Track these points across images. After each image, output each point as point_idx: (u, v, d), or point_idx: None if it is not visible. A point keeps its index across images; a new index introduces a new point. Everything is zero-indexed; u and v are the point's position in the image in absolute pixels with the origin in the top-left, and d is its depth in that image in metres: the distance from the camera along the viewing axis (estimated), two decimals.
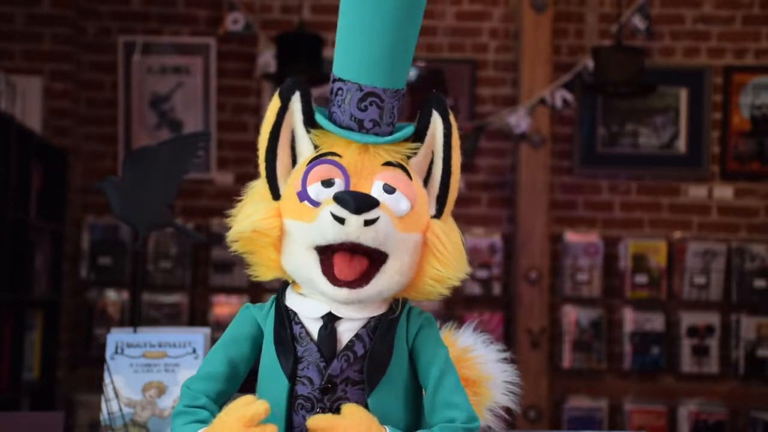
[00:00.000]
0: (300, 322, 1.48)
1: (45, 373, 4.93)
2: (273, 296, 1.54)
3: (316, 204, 1.45)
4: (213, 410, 1.49)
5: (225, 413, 1.41)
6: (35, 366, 4.85)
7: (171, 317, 5.21)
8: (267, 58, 5.01)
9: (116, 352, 2.00)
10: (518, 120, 4.94)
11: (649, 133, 5.45)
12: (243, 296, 5.26)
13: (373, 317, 1.48)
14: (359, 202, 1.39)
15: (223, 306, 5.25)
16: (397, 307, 1.50)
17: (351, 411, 1.41)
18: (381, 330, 1.47)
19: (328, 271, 1.44)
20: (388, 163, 1.48)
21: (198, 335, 2.02)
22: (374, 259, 1.44)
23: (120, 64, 5.35)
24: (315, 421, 1.41)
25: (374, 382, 1.45)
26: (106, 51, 5.37)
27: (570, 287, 5.32)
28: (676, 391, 5.31)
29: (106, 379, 1.98)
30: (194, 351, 2.00)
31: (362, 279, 1.44)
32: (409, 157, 1.51)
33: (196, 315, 5.31)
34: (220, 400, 1.52)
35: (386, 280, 1.45)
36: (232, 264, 5.27)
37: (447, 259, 1.49)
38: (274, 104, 1.51)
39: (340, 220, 1.40)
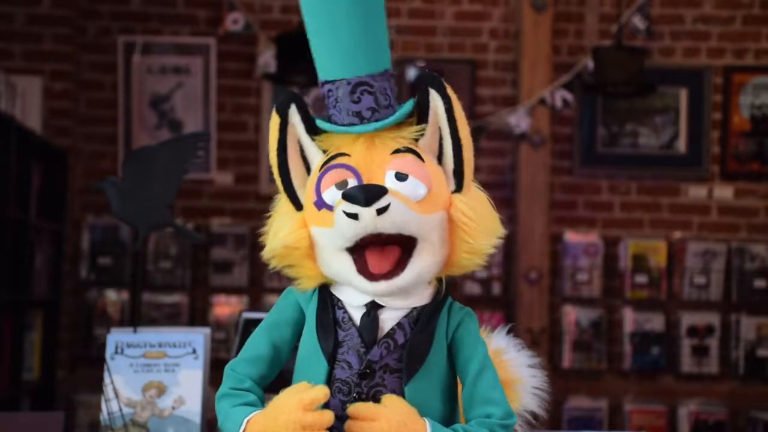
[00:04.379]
0: (343, 308, 1.51)
1: (45, 373, 4.93)
2: None
3: (332, 208, 1.46)
4: (258, 394, 1.51)
5: (283, 396, 1.43)
6: (35, 366, 4.85)
7: (171, 317, 5.21)
8: (267, 58, 5.01)
9: (116, 352, 2.00)
10: (518, 120, 4.94)
11: (649, 133, 5.45)
12: (243, 296, 5.26)
13: (416, 308, 1.50)
14: (367, 194, 1.41)
15: (223, 306, 5.25)
16: (442, 298, 1.51)
17: (392, 401, 1.43)
18: (422, 321, 1.49)
19: (362, 268, 1.46)
20: (396, 151, 1.50)
21: (198, 335, 2.02)
22: (405, 246, 1.46)
23: (120, 64, 5.35)
24: (357, 408, 1.43)
25: (412, 371, 1.46)
26: (106, 51, 5.37)
27: (570, 287, 5.32)
28: (676, 391, 5.31)
29: (106, 379, 1.98)
30: (194, 351, 2.00)
31: (397, 268, 1.46)
32: (417, 140, 1.52)
33: (196, 315, 5.31)
34: (263, 383, 1.54)
35: (421, 264, 1.47)
36: (232, 264, 5.27)
37: (474, 230, 1.50)
38: (274, 121, 1.53)
39: (354, 216, 1.42)
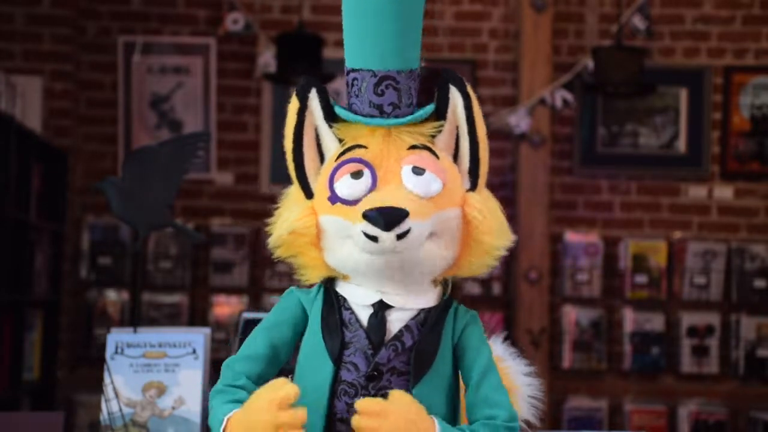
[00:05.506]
0: (350, 308, 1.49)
1: (45, 373, 4.92)
2: (319, 283, 1.54)
3: (348, 202, 1.45)
4: (252, 391, 1.48)
5: (256, 395, 1.40)
6: (35, 366, 4.85)
7: (171, 317, 5.21)
8: (267, 58, 5.01)
9: (116, 352, 2.00)
10: (518, 120, 4.94)
11: (649, 133, 5.45)
12: (243, 296, 5.26)
13: (423, 309, 1.48)
14: (388, 219, 1.39)
15: (223, 306, 5.25)
16: (448, 302, 1.50)
17: (399, 397, 1.40)
18: (429, 323, 1.47)
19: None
20: (413, 147, 1.48)
21: (198, 335, 2.02)
22: None
23: (120, 64, 5.35)
24: (365, 403, 1.40)
25: (420, 374, 1.45)
26: (106, 51, 5.37)
27: (570, 287, 5.32)
28: (676, 391, 5.31)
29: (106, 379, 1.97)
30: (194, 351, 2.00)
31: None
32: (433, 137, 1.51)
33: (196, 315, 5.31)
34: (260, 381, 1.50)
35: (429, 248, 1.44)
36: (232, 264, 5.27)
37: (489, 228, 1.49)
38: (293, 106, 1.51)
39: (373, 239, 1.40)
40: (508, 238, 1.51)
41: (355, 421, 1.39)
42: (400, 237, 1.40)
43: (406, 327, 1.47)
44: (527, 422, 1.79)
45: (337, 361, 1.46)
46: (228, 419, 1.43)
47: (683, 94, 5.44)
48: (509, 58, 5.44)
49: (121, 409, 1.97)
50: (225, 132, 5.39)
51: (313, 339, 1.50)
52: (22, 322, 4.61)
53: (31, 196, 4.70)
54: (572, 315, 5.31)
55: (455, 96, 1.52)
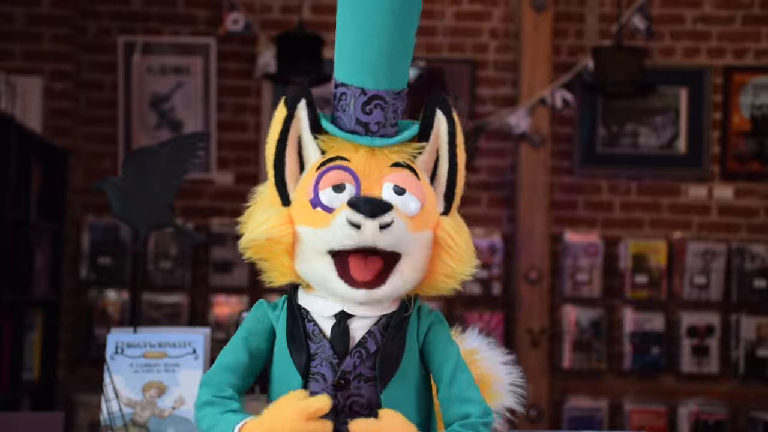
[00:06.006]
0: (313, 320, 1.50)
1: (45, 373, 4.92)
2: (284, 296, 1.55)
3: (328, 210, 1.46)
4: (240, 403, 1.50)
5: (283, 403, 1.41)
6: (35, 366, 4.84)
7: (171, 317, 5.21)
8: (267, 58, 5.01)
9: (116, 352, 2.00)
10: (518, 120, 4.94)
11: (649, 133, 5.45)
12: (243, 296, 5.26)
13: (385, 315, 1.50)
14: (374, 207, 1.42)
15: (223, 306, 5.25)
16: (410, 304, 1.52)
17: (390, 416, 1.42)
18: (393, 327, 1.49)
19: (344, 273, 1.46)
20: (395, 164, 1.50)
21: (198, 335, 2.02)
22: (388, 258, 1.46)
23: (120, 64, 5.35)
24: (358, 424, 1.42)
25: (387, 378, 1.46)
26: (106, 51, 5.37)
27: (570, 287, 5.32)
28: (676, 391, 5.31)
29: (106, 379, 1.98)
30: (194, 351, 2.00)
31: (378, 279, 1.45)
32: (415, 157, 1.53)
33: (196, 315, 5.31)
34: (240, 392, 1.52)
35: (401, 279, 1.47)
36: (232, 264, 5.27)
37: (458, 254, 1.52)
38: (280, 112, 1.53)
39: (356, 226, 1.42)
40: (473, 264, 1.54)
41: None
42: (382, 227, 1.41)
43: (369, 333, 1.48)
44: (511, 410, 1.80)
45: (305, 373, 1.47)
46: (240, 428, 1.42)
47: (683, 94, 5.44)
48: (509, 58, 5.44)
49: (121, 409, 1.97)
50: (225, 132, 5.39)
51: (282, 354, 1.51)
52: (22, 322, 4.61)
53: (31, 196, 4.70)
54: (572, 315, 5.31)
55: (441, 121, 1.53)
